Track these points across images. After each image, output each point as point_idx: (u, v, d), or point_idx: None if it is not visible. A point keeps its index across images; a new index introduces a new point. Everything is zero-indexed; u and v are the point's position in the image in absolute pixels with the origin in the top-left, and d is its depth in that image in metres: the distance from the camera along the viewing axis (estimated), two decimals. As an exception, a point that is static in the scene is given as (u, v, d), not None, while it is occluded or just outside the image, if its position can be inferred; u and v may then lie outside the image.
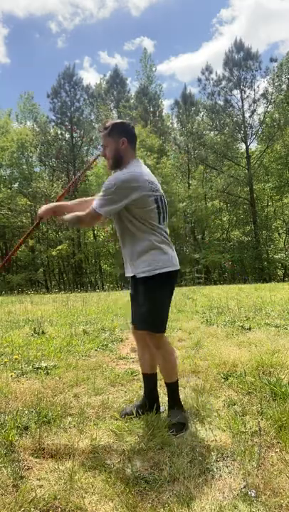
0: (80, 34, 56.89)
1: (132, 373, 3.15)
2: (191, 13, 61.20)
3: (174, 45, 60.82)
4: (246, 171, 28.54)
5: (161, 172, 24.93)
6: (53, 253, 28.19)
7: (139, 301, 2.15)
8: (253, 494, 1.47)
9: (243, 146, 29.82)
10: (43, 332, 5.07)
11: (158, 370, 2.34)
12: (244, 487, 1.53)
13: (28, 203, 29.25)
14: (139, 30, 63.50)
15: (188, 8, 60.95)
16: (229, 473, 1.64)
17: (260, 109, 29.01)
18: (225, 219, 32.08)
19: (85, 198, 2.44)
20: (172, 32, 60.93)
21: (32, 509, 1.43)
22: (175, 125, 33.47)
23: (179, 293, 10.88)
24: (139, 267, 2.08)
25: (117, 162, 2.11)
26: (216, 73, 29.59)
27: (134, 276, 2.13)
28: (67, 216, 2.14)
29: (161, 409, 2.30)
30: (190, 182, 30.49)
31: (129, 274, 2.18)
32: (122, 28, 60.98)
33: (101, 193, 2.04)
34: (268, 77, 28.24)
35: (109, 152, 2.12)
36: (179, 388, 2.48)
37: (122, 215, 2.10)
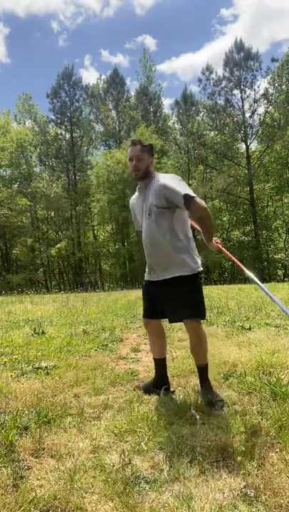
0: (83, 33, 56.84)
1: (132, 373, 3.15)
2: (195, 11, 61.05)
3: (176, 43, 60.74)
4: (246, 171, 28.53)
5: (165, 172, 24.94)
6: (53, 252, 28.17)
7: (184, 295, 2.43)
8: (252, 494, 1.47)
9: (243, 146, 29.81)
10: (43, 332, 5.07)
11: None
12: (244, 487, 1.52)
13: (28, 202, 29.22)
14: (143, 28, 63.53)
15: (192, 6, 60.85)
16: (229, 473, 1.64)
17: (261, 109, 29.01)
18: (225, 219, 32.06)
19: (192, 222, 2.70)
20: (175, 31, 60.82)
21: (32, 509, 1.43)
22: (175, 125, 33.45)
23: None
24: (183, 265, 2.42)
25: (146, 173, 2.51)
26: (216, 73, 29.60)
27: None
28: (207, 222, 2.44)
29: (172, 389, 2.66)
30: (190, 182, 30.47)
31: (171, 275, 2.45)
32: (125, 26, 60.94)
33: (178, 185, 2.36)
34: (269, 77, 28.23)
35: (142, 164, 2.48)
36: (179, 388, 2.67)
37: (170, 215, 2.42)
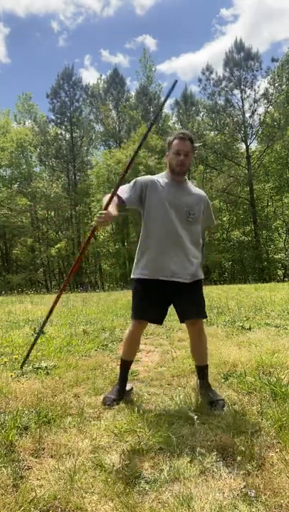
0: (83, 33, 56.93)
1: (131, 373, 3.14)
2: (195, 11, 61.15)
3: (176, 43, 60.80)
4: (246, 171, 28.52)
5: None
6: (53, 252, 28.16)
7: (197, 296, 2.51)
8: (252, 494, 1.47)
9: (243, 146, 29.83)
10: (43, 332, 5.06)
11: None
12: (244, 487, 1.52)
13: (28, 202, 29.22)
14: (143, 28, 63.52)
15: (193, 6, 60.88)
16: (229, 473, 1.63)
17: (261, 109, 29.01)
18: (225, 219, 32.06)
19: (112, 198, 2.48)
20: (176, 31, 60.88)
21: (32, 509, 1.43)
22: (175, 125, 33.43)
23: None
24: (197, 268, 2.49)
25: (187, 171, 2.54)
26: (217, 73, 29.61)
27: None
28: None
29: (128, 386, 2.65)
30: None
31: (187, 277, 2.44)
32: (125, 26, 61.06)
33: (212, 210, 2.67)
34: (269, 77, 28.23)
35: (188, 161, 2.46)
36: (179, 388, 2.64)
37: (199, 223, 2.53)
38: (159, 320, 2.58)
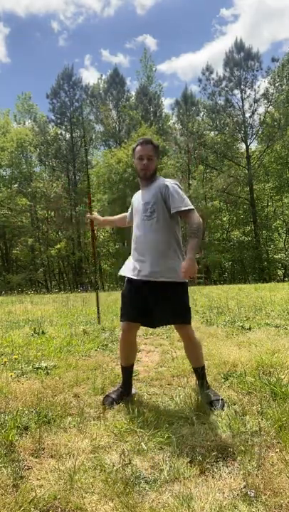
0: (83, 33, 56.94)
1: (132, 373, 3.14)
2: (196, 11, 61.16)
3: (177, 43, 60.79)
4: (246, 171, 28.52)
5: (165, 173, 24.92)
6: (53, 252, 28.17)
7: (175, 300, 2.43)
8: (252, 494, 1.47)
9: (243, 146, 29.82)
10: (43, 332, 5.07)
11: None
12: (244, 487, 1.52)
13: (28, 202, 29.22)
14: (143, 28, 63.47)
15: (193, 6, 60.90)
16: (229, 473, 1.63)
17: (261, 109, 29.01)
18: (225, 219, 32.07)
19: (125, 214, 2.94)
20: (176, 31, 60.90)
21: (32, 509, 1.43)
22: (175, 125, 33.45)
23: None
24: (175, 271, 2.39)
25: (153, 174, 2.55)
26: (217, 73, 29.61)
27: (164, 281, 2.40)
28: (199, 233, 2.35)
29: (133, 391, 2.65)
30: (190, 182, 30.47)
31: (167, 279, 2.39)
32: (126, 26, 61.07)
33: (177, 194, 2.40)
34: (269, 77, 28.23)
35: (152, 165, 2.51)
36: (179, 388, 2.66)
37: (171, 221, 2.45)
38: (144, 318, 2.51)
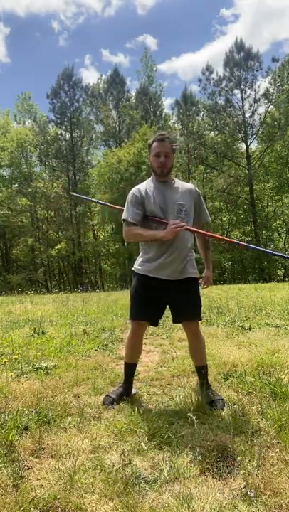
0: (83, 33, 56.85)
1: (132, 373, 3.14)
2: (196, 11, 61.07)
3: (177, 43, 60.73)
4: (246, 171, 28.52)
5: None
6: (53, 252, 28.17)
7: (193, 296, 2.51)
8: (252, 494, 1.47)
9: (243, 146, 29.80)
10: (43, 332, 5.07)
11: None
12: (244, 487, 1.52)
13: (28, 202, 29.22)
14: (144, 28, 63.38)
15: (193, 6, 60.84)
16: (229, 473, 1.64)
17: (261, 109, 29.00)
18: (225, 219, 32.06)
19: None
20: (176, 30, 60.85)
21: (32, 509, 1.43)
22: (175, 125, 33.43)
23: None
24: (191, 268, 2.49)
25: (170, 171, 2.53)
26: (217, 73, 29.60)
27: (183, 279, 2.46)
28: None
29: (133, 391, 2.65)
30: (190, 182, 30.45)
31: (181, 276, 2.44)
32: (126, 26, 60.93)
33: (204, 204, 2.66)
34: (269, 77, 28.21)
35: (169, 162, 2.48)
36: (179, 388, 2.66)
37: (192, 219, 2.52)
38: (156, 317, 2.58)
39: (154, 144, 2.47)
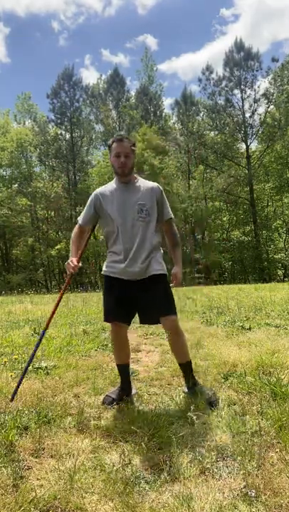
0: (83, 33, 56.87)
1: (132, 373, 3.14)
2: (196, 11, 61.10)
3: (177, 43, 60.77)
4: (246, 171, 28.52)
5: (167, 172, 24.88)
6: (53, 252, 28.17)
7: (160, 293, 2.45)
8: (253, 494, 1.47)
9: (244, 146, 29.82)
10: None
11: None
12: (244, 487, 1.52)
13: (28, 202, 29.22)
14: (144, 28, 63.39)
15: (193, 6, 60.85)
16: (229, 473, 1.63)
17: (261, 109, 29.02)
18: (225, 219, 32.07)
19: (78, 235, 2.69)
20: (176, 30, 60.87)
21: (32, 509, 1.43)
22: (176, 125, 33.44)
23: (179, 293, 10.88)
24: (156, 265, 2.47)
25: (131, 171, 2.53)
26: (217, 73, 29.62)
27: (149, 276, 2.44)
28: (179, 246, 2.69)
29: (133, 391, 2.64)
30: (190, 182, 30.46)
31: (144, 275, 2.43)
32: (126, 26, 61.00)
33: (166, 201, 2.61)
34: (270, 77, 28.23)
35: (129, 162, 2.49)
36: (179, 388, 2.67)
37: (157, 223, 2.54)
38: (129, 317, 2.56)
39: (114, 144, 2.48)
